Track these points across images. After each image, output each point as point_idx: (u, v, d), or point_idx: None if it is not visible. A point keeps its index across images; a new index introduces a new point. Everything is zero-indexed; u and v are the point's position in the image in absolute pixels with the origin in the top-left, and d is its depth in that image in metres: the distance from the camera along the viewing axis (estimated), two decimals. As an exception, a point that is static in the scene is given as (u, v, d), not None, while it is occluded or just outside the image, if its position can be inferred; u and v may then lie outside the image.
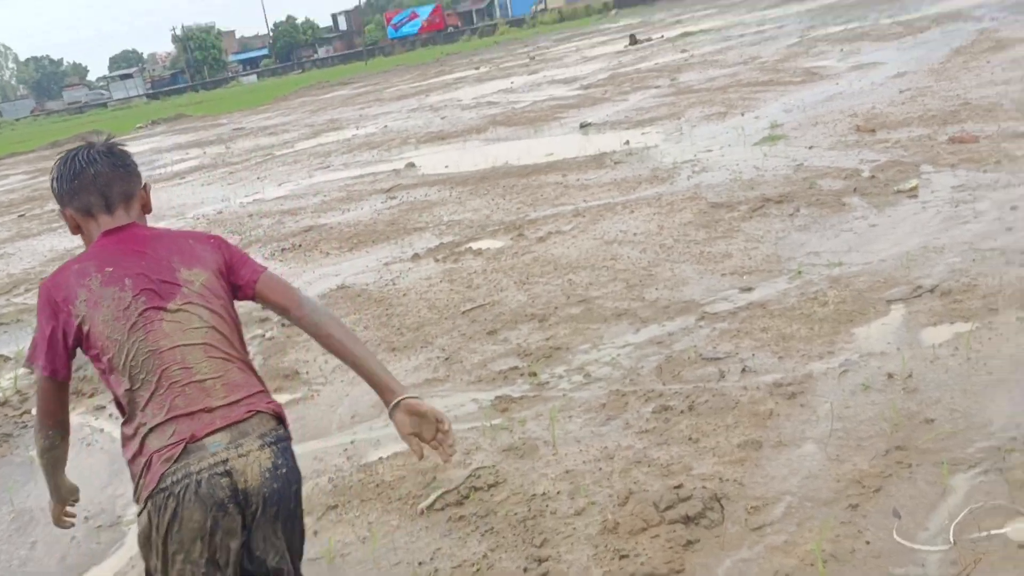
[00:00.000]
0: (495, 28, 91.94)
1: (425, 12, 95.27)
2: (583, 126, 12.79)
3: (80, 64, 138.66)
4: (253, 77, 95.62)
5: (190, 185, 14.64)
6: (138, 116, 47.10)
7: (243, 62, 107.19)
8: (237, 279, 2.39)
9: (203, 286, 2.30)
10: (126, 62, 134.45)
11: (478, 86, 23.80)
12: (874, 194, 6.81)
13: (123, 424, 2.24)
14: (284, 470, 2.21)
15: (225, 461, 2.12)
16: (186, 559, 2.11)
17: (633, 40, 28.38)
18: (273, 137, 20.28)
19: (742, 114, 11.30)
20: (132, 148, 2.91)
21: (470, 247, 7.59)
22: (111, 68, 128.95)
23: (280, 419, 2.28)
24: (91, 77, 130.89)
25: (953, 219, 5.97)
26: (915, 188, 6.77)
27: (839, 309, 4.89)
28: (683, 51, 21.50)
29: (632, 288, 5.86)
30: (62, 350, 2.23)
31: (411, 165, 12.30)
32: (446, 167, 11.61)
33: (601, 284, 6.04)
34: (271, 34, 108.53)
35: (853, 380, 4.13)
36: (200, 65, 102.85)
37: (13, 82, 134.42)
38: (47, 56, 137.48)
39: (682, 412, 4.10)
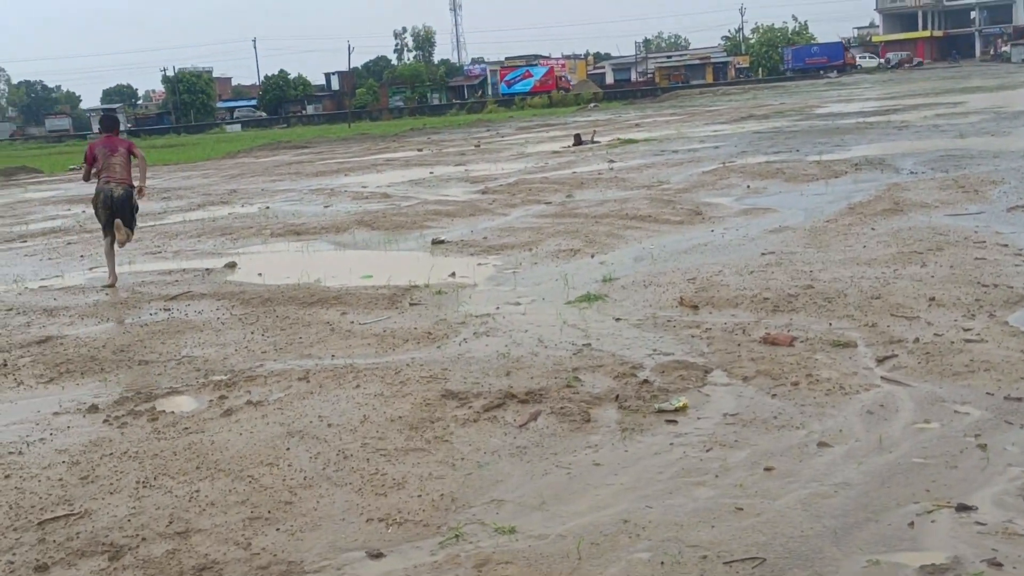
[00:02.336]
0: (484, 105, 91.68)
1: (539, 72, 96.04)
2: (435, 243, 11.36)
3: (73, 93, 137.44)
4: (238, 126, 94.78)
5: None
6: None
7: (231, 110, 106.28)
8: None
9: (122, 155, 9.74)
10: (119, 96, 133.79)
11: (399, 171, 22.50)
12: (633, 409, 5.32)
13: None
14: (125, 195, 9.82)
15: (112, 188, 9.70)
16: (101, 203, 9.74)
17: (578, 140, 27.23)
18: (163, 202, 18.81)
19: (592, 255, 9.89)
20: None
21: (155, 405, 6.04)
22: (103, 100, 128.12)
23: (132, 186, 10.02)
24: (83, 107, 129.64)
25: (692, 474, 4.47)
26: (683, 408, 5.29)
27: (436, 631, 3.34)
28: (610, 161, 20.27)
29: (252, 523, 4.32)
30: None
31: (230, 265, 10.83)
32: (259, 275, 10.13)
33: (224, 508, 4.49)
34: (260, 86, 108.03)
35: None
36: (187, 108, 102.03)
37: (3, 103, 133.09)
38: (40, 82, 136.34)
39: None
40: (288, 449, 5.10)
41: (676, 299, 7.57)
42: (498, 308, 7.85)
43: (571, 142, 27.42)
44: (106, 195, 9.86)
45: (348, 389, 5.99)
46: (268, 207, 16.55)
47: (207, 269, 10.71)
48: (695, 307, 7.33)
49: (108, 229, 9.99)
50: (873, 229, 9.85)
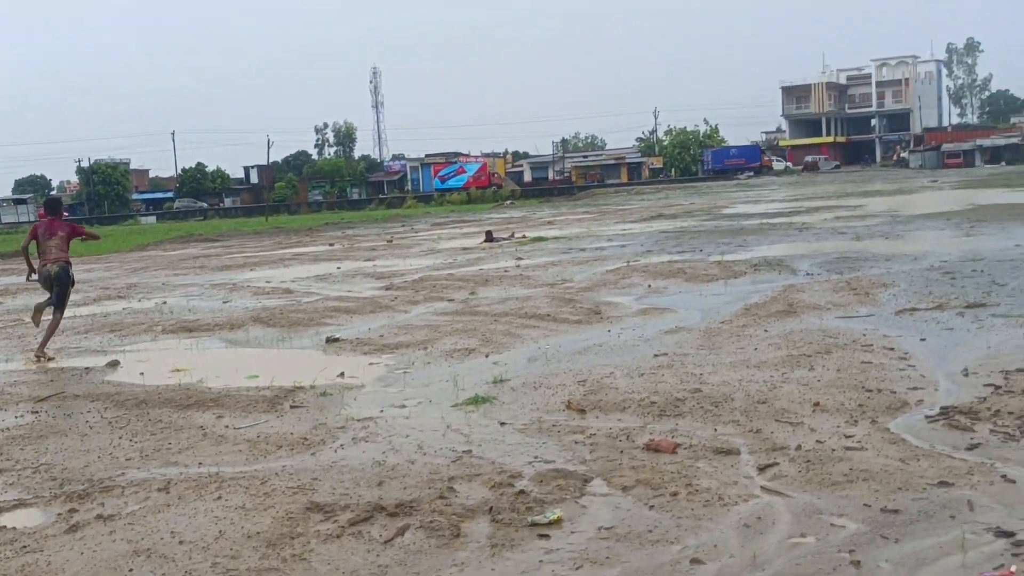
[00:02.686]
0: (403, 200, 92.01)
1: (472, 169, 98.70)
2: (329, 341, 11.05)
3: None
4: (152, 218, 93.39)
5: None
6: (9, 244, 44.48)
7: (147, 202, 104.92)
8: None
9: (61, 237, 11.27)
10: (32, 186, 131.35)
11: (306, 266, 22.20)
12: (505, 522, 5.06)
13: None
14: (61, 271, 11.22)
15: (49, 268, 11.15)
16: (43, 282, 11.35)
17: (489, 237, 27.29)
18: (57, 296, 18.13)
19: (486, 355, 9.70)
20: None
21: (-2, 520, 5.58)
22: (15, 190, 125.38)
23: (68, 263, 11.34)
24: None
25: (557, 595, 4.21)
26: (557, 521, 5.04)
27: None
28: (518, 258, 20.27)
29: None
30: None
31: (112, 364, 10.37)
32: (141, 375, 9.68)
33: (47, 638, 4.07)
34: (177, 178, 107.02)
35: None
36: (102, 199, 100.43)
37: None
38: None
39: None
40: (131, 571, 4.71)
41: (564, 402, 7.39)
42: (382, 411, 7.57)
43: (483, 239, 27.46)
44: (46, 275, 11.31)
45: (208, 501, 5.62)
46: (165, 302, 16.08)
47: (87, 368, 10.23)
48: (582, 411, 7.15)
49: (48, 305, 11.53)
50: (766, 331, 9.87)
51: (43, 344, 11.14)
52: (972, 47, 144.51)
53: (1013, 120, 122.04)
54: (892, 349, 8.59)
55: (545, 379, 8.27)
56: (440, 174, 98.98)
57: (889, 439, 6.00)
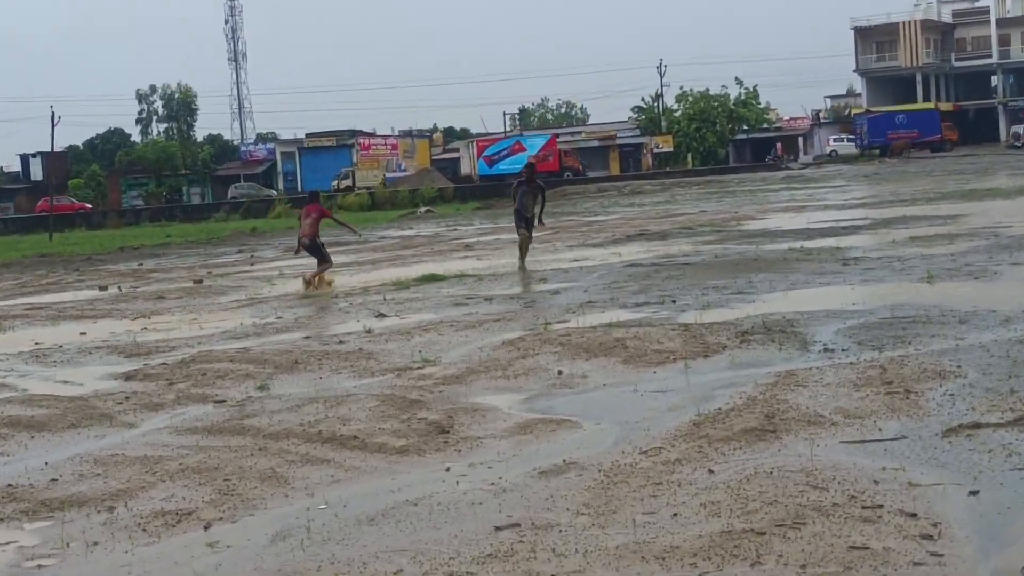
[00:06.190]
0: (272, 206, 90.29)
1: (535, 145, 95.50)
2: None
3: None
4: None
5: None
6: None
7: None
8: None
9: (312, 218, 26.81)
10: None
11: (33, 330, 20.81)
12: None
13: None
14: (309, 242, 26.19)
15: (303, 240, 26.47)
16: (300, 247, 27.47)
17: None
18: None
19: (207, 526, 8.32)
20: None
21: None
22: None
23: (315, 236, 26.30)
24: None
25: None
26: None
27: None
28: (379, 315, 19.01)
29: None
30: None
31: None
32: None
33: None
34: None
35: None
36: None
37: None
38: None
39: None
40: None
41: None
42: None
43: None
44: (300, 242, 25.79)
45: None
46: None
47: None
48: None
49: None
50: (711, 472, 8.60)
51: (320, 276, 25.28)
52: None
53: None
54: (914, 516, 7.33)
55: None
56: (486, 154, 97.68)
57: None
